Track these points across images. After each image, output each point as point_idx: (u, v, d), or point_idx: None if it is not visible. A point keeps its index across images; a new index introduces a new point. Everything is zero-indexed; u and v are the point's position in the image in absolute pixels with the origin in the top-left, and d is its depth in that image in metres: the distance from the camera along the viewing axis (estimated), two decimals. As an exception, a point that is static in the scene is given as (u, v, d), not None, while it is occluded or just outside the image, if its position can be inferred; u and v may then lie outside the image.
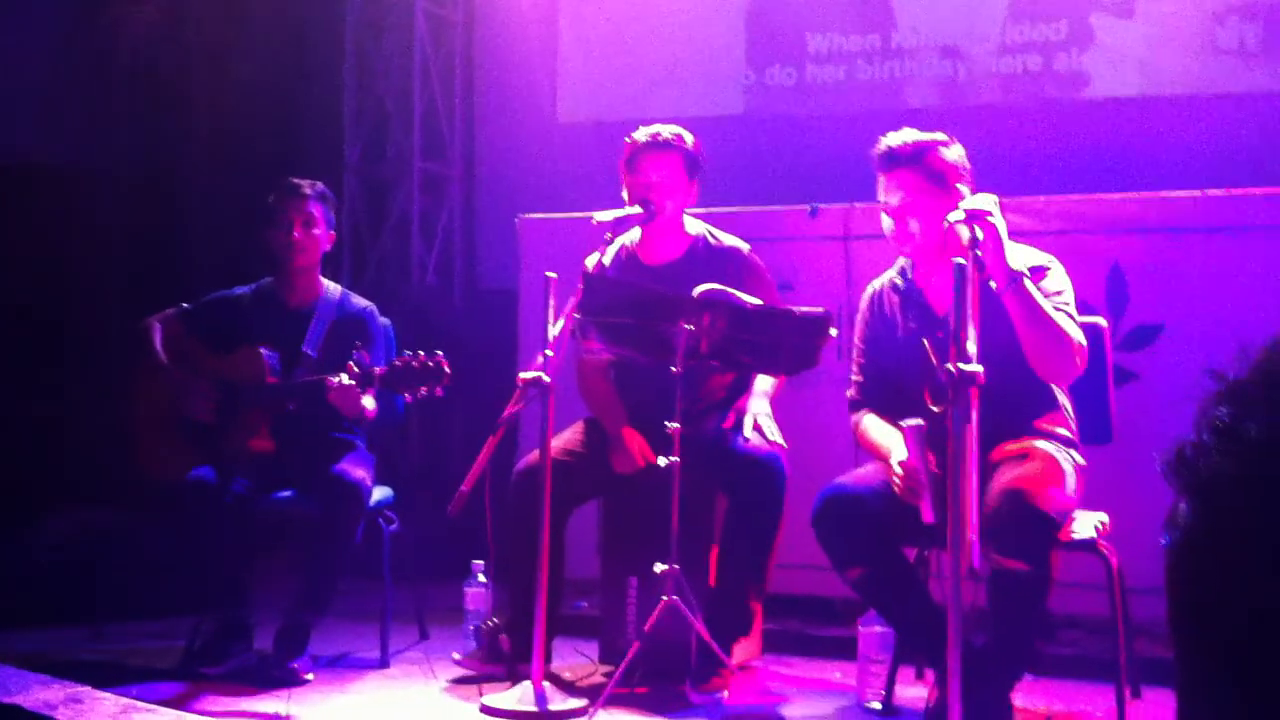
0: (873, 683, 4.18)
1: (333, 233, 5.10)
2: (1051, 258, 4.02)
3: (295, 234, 4.94)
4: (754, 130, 7.00)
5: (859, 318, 4.32)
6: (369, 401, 4.66)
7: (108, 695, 4.15)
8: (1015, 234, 4.22)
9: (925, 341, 3.64)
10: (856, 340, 4.32)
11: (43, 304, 7.12)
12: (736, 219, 5.18)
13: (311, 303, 5.02)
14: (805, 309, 4.20)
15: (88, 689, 4.18)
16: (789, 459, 4.48)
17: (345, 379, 4.56)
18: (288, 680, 4.51)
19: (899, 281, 4.19)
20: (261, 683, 4.50)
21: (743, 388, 4.65)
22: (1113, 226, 5.01)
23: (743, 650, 4.62)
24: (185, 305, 5.07)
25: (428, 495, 6.29)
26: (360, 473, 4.72)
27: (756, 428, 4.42)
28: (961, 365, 3.33)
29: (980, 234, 3.67)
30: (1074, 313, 3.89)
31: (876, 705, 4.15)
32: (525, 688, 4.15)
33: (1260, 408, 1.09)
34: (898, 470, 3.81)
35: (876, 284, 4.25)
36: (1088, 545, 3.89)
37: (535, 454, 4.36)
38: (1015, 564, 3.61)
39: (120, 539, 5.73)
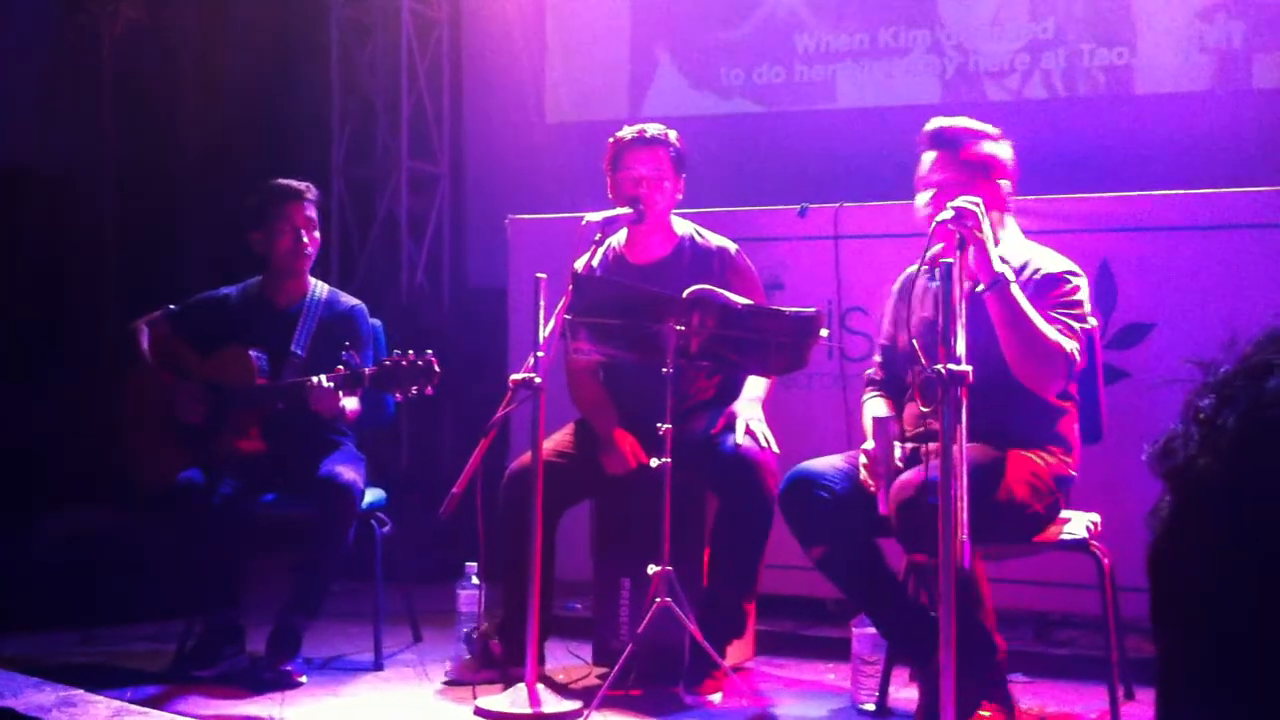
0: (866, 684, 4.18)
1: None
2: (1076, 267, 4.02)
3: (304, 239, 4.93)
4: (743, 130, 7.00)
5: (888, 301, 4.37)
6: (349, 402, 4.65)
7: (100, 698, 4.14)
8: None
9: (914, 342, 3.63)
10: (884, 324, 4.37)
11: (34, 307, 7.11)
12: (726, 219, 5.18)
13: (299, 302, 5.01)
14: (795, 309, 4.20)
15: (80, 692, 4.18)
16: (780, 460, 4.48)
17: (324, 380, 4.55)
18: (280, 683, 4.51)
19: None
20: (254, 685, 4.49)
21: (731, 386, 4.65)
22: (1102, 225, 5.01)
23: (736, 651, 4.62)
24: (172, 307, 5.05)
25: (419, 497, 6.29)
26: (352, 475, 4.70)
27: (749, 433, 4.41)
28: (950, 366, 3.34)
29: (980, 227, 3.69)
30: (1075, 325, 3.89)
31: (870, 707, 4.15)
32: (519, 690, 4.15)
33: (1240, 399, 1.09)
34: (863, 459, 3.91)
35: (912, 268, 4.20)
36: (1080, 545, 3.90)
37: (527, 455, 4.35)
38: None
39: (111, 541, 5.72)
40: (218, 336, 4.91)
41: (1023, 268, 3.99)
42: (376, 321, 5.19)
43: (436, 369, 4.54)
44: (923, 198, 4.06)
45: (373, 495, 4.93)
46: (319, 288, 5.07)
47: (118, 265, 7.44)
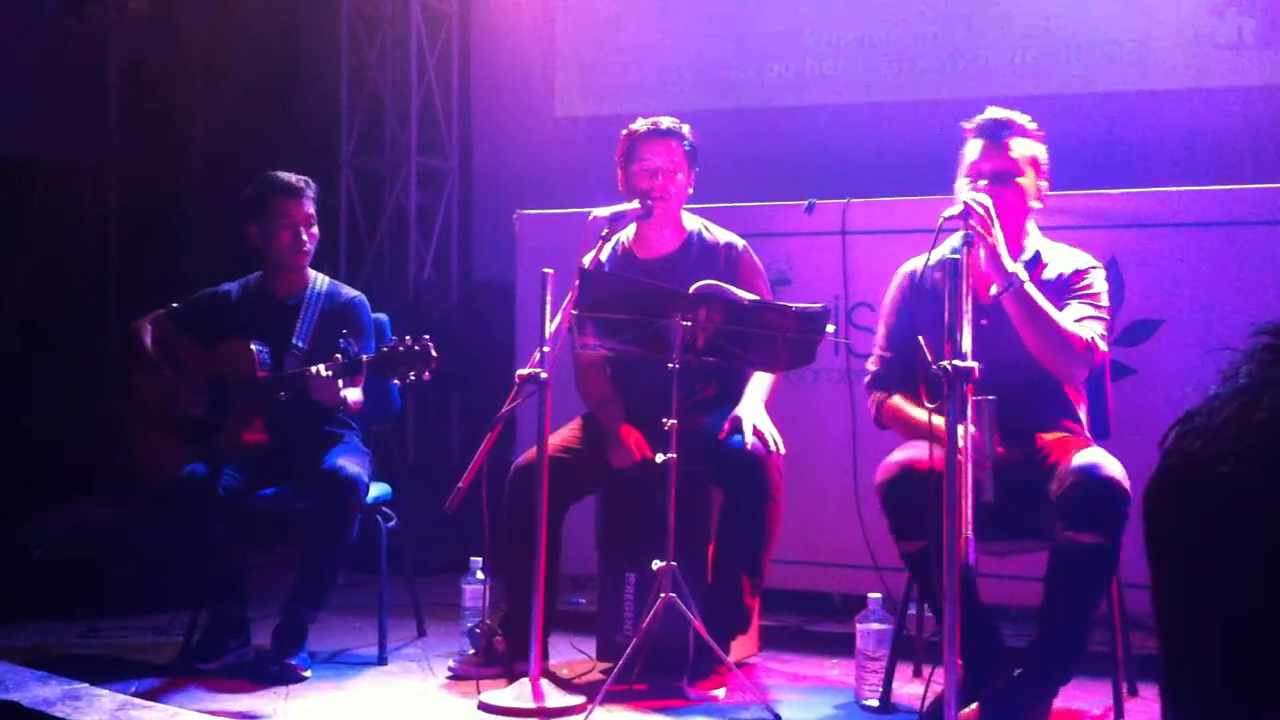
0: (870, 679, 4.17)
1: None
2: (1096, 262, 4.03)
3: (303, 235, 4.92)
4: (751, 125, 6.99)
5: (889, 295, 4.31)
6: (351, 393, 4.65)
7: (105, 692, 4.14)
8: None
9: (921, 339, 3.62)
10: (885, 317, 4.30)
11: (39, 301, 7.11)
12: (733, 214, 5.17)
13: (299, 294, 5.01)
14: (802, 304, 4.19)
15: (85, 686, 4.18)
16: (785, 456, 4.47)
17: (323, 369, 4.55)
18: (285, 677, 4.51)
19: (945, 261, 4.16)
20: (259, 679, 4.49)
21: (733, 383, 4.64)
22: (1110, 221, 5.00)
23: (740, 647, 4.62)
24: (174, 305, 5.06)
25: (425, 490, 6.28)
26: (357, 468, 4.70)
27: (757, 433, 4.40)
28: (956, 362, 3.34)
29: (990, 228, 3.69)
30: (1094, 312, 3.93)
31: (874, 702, 4.15)
32: (523, 685, 4.15)
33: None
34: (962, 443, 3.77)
35: (917, 261, 4.17)
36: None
37: (533, 450, 4.35)
38: (1089, 537, 3.62)
39: (115, 535, 5.73)
40: (220, 332, 4.92)
41: (1043, 266, 4.00)
42: (383, 315, 5.20)
43: (434, 353, 4.52)
44: (963, 184, 4.05)
45: (378, 489, 4.92)
46: (319, 280, 5.07)
47: (121, 259, 7.46)
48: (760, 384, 4.59)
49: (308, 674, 4.57)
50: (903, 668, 4.26)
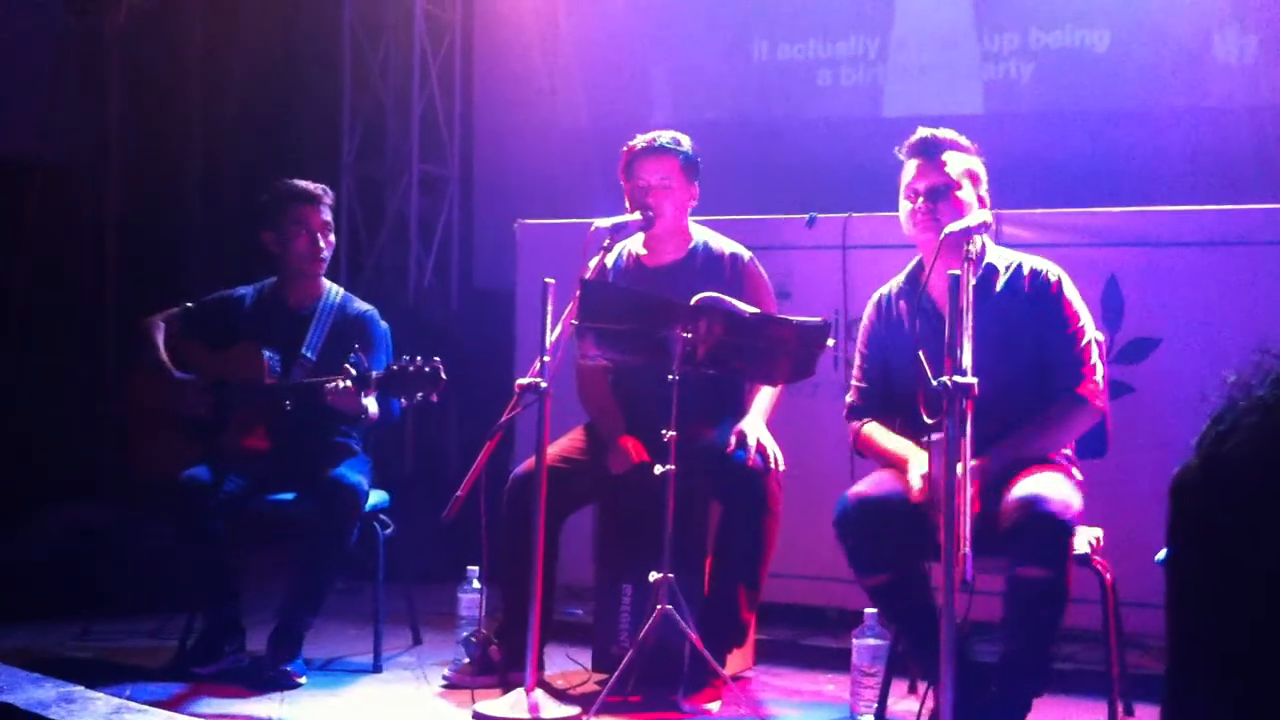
0: (865, 695, 4.17)
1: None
2: (1059, 271, 4.05)
3: (320, 243, 4.92)
4: (753, 138, 6.99)
5: (863, 323, 4.32)
6: (371, 403, 4.64)
7: (100, 695, 4.14)
8: (1013, 247, 4.24)
9: (921, 353, 3.63)
10: (859, 346, 4.31)
11: (38, 301, 7.11)
12: (735, 226, 5.17)
13: (312, 305, 5.01)
14: (803, 318, 4.20)
15: (80, 688, 4.17)
16: (785, 470, 4.48)
17: (344, 383, 4.55)
18: (280, 683, 4.51)
19: (907, 286, 4.19)
20: (254, 684, 4.50)
21: (732, 395, 4.65)
22: (1110, 239, 5.01)
23: (736, 660, 4.62)
24: (189, 305, 5.06)
25: (423, 499, 6.29)
26: (357, 475, 4.71)
27: (760, 448, 4.40)
28: (956, 378, 3.34)
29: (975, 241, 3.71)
30: (1080, 344, 3.96)
31: (869, 718, 4.14)
32: (518, 695, 4.16)
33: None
34: (918, 483, 3.80)
35: (885, 289, 4.24)
36: (1082, 560, 3.89)
37: (531, 459, 4.36)
38: (1035, 572, 3.62)
39: (112, 537, 5.73)
40: (231, 336, 4.92)
41: (996, 277, 4.02)
42: (384, 324, 5.20)
43: (443, 376, 4.53)
44: (905, 207, 4.08)
45: (377, 497, 4.93)
46: (334, 291, 5.07)
47: (121, 260, 7.45)
48: (764, 399, 4.60)
49: (303, 680, 4.58)
50: (898, 684, 4.26)
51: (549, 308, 4.20)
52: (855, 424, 4.24)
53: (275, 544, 5.68)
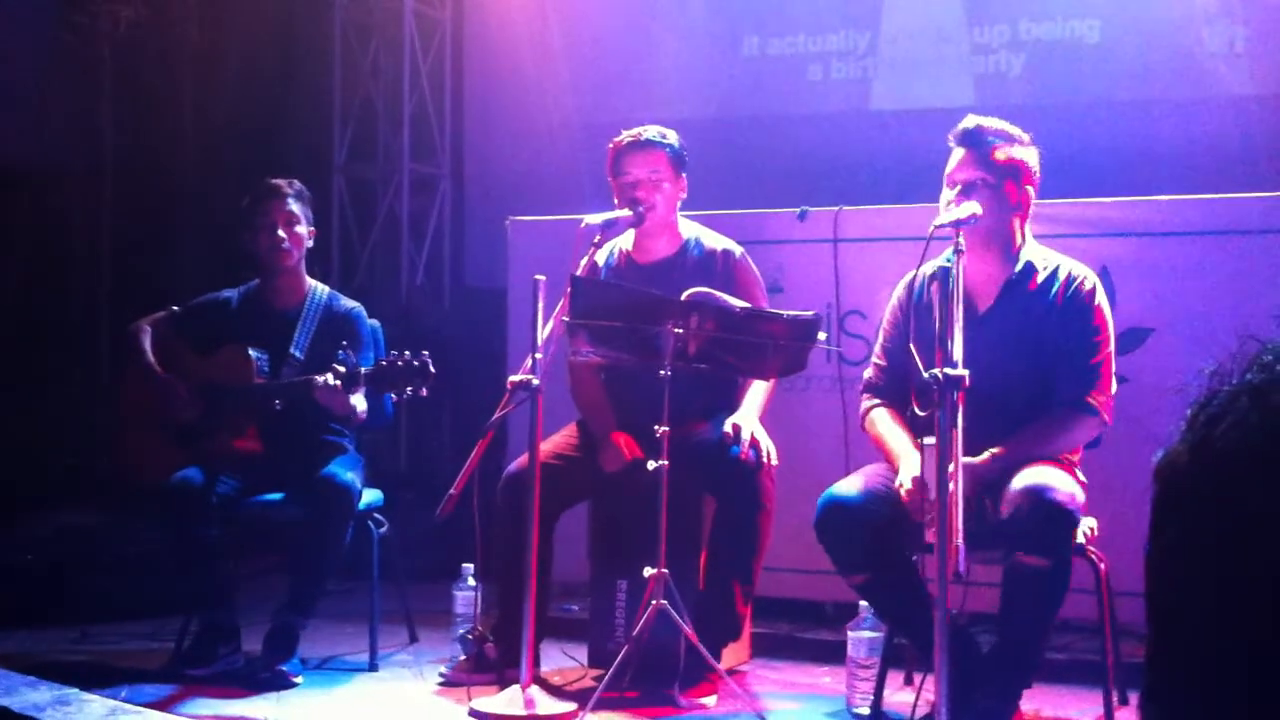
0: (861, 687, 4.17)
1: (313, 229, 5.07)
2: (1093, 276, 4.07)
3: (280, 234, 4.91)
4: (744, 132, 6.99)
5: (891, 303, 4.30)
6: (359, 402, 4.64)
7: (95, 697, 4.13)
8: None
9: (912, 346, 3.62)
10: (885, 325, 4.29)
11: (29, 305, 7.10)
12: (725, 221, 5.16)
13: (298, 304, 5.00)
14: (794, 312, 4.20)
15: (75, 691, 4.16)
16: (778, 463, 4.47)
17: (331, 379, 4.55)
18: (276, 683, 4.51)
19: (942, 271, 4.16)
20: (250, 685, 4.50)
21: (729, 388, 4.64)
22: (1102, 229, 5.00)
23: (731, 654, 4.62)
24: (175, 308, 5.06)
25: (416, 497, 6.28)
26: (350, 475, 4.71)
27: (754, 443, 4.40)
28: (947, 370, 3.33)
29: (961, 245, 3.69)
30: (1097, 357, 3.95)
31: (864, 710, 4.15)
32: (514, 691, 4.15)
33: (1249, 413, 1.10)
34: (908, 485, 3.79)
35: (921, 269, 4.15)
36: (1077, 550, 3.89)
37: (524, 457, 4.35)
38: (1036, 560, 3.62)
39: (106, 539, 5.72)
40: (219, 338, 4.92)
41: (1035, 274, 4.01)
42: (374, 321, 5.19)
43: (432, 369, 4.54)
44: (948, 195, 4.05)
45: (370, 496, 4.92)
46: (319, 290, 5.06)
47: (113, 265, 7.45)
48: (757, 393, 4.59)
49: (299, 680, 4.57)
50: (894, 676, 4.26)
51: (540, 305, 4.20)
52: (866, 403, 4.24)
53: (271, 546, 5.68)
